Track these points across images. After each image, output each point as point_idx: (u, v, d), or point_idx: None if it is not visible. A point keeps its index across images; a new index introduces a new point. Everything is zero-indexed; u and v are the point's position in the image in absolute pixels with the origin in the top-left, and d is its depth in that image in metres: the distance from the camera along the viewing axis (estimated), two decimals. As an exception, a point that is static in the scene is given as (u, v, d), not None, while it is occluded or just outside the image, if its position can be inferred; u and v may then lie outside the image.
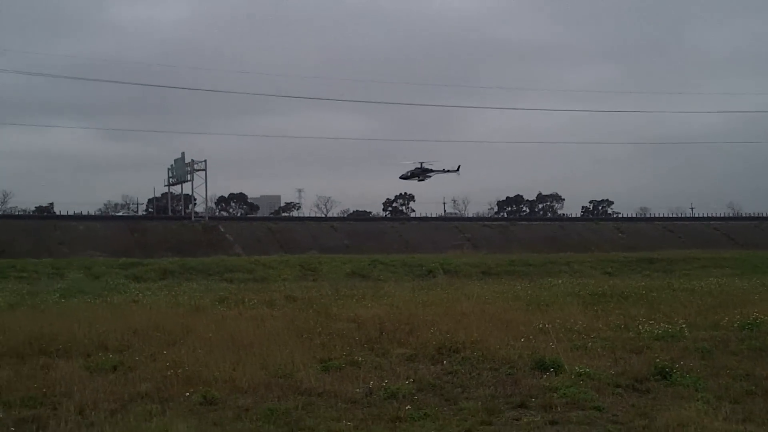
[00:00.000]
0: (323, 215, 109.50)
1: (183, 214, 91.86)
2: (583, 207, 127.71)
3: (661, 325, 20.62)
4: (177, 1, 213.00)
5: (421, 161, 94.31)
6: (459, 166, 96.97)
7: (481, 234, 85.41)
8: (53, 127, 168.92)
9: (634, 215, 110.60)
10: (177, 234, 76.19)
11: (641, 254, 67.42)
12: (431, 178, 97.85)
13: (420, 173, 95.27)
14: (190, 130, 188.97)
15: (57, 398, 13.29)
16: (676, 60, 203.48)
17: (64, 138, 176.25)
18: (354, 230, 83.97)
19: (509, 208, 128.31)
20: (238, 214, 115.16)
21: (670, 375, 14.44)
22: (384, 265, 58.52)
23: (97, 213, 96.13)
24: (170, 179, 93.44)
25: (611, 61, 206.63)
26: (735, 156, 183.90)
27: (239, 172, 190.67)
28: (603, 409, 12.39)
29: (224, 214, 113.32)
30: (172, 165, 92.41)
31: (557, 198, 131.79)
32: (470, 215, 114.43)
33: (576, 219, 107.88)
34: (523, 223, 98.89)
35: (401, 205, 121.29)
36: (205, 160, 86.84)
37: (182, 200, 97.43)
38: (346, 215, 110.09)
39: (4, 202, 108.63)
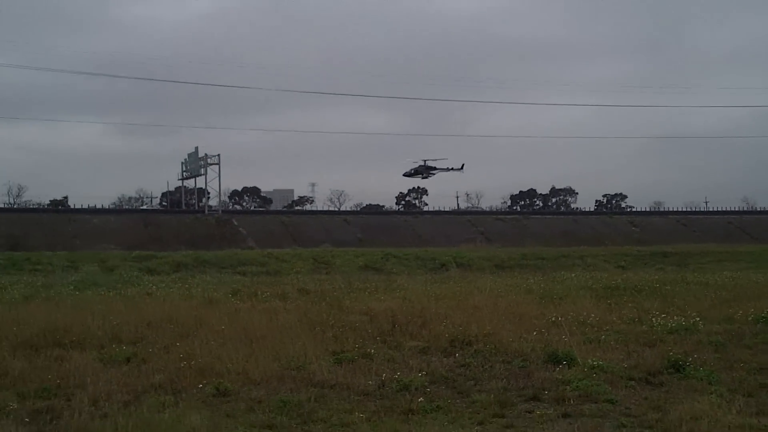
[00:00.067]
0: (336, 209, 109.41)
1: (196, 207, 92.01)
2: (596, 201, 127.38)
3: (675, 318, 20.53)
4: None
5: (424, 159, 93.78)
6: (463, 165, 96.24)
7: (494, 228, 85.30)
8: (68, 121, 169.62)
9: (648, 209, 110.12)
10: (190, 227, 76.39)
11: (655, 248, 67.29)
12: (435, 176, 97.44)
13: (423, 171, 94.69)
14: (204, 124, 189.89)
15: (71, 389, 13.36)
16: (689, 54, 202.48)
17: (79, 132, 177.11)
18: (367, 224, 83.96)
19: (523, 202, 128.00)
20: (252, 208, 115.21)
21: (684, 368, 14.39)
22: (397, 258, 58.56)
23: (111, 207, 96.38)
24: (184, 173, 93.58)
25: (626, 57, 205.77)
26: (750, 150, 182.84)
27: (253, 166, 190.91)
28: (616, 402, 12.36)
29: (238, 207, 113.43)
30: (185, 159, 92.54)
31: (571, 192, 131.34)
32: (484, 209, 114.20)
33: (589, 213, 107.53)
34: (537, 216, 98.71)
35: (414, 198, 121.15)
36: (218, 155, 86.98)
37: (196, 194, 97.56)
38: (359, 209, 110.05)
39: (18, 196, 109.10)
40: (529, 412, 11.87)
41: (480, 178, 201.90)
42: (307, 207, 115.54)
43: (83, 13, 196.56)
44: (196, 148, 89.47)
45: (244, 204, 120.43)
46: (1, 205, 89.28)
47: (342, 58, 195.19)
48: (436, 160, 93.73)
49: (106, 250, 61.69)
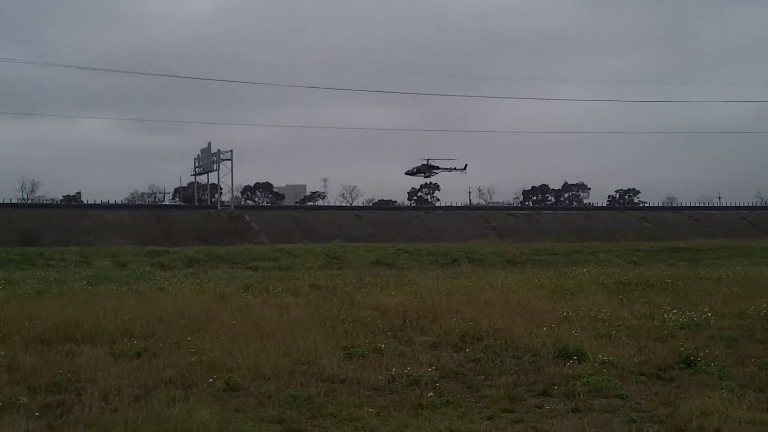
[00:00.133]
0: (348, 204, 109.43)
1: (209, 203, 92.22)
2: (609, 196, 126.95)
3: (687, 313, 20.45)
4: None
5: (427, 158, 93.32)
6: (466, 165, 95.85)
7: (506, 223, 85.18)
8: (81, 117, 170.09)
9: (660, 204, 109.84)
10: (203, 223, 76.58)
11: (667, 243, 67.01)
12: (437, 175, 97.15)
13: (426, 170, 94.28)
14: (217, 120, 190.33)
15: (82, 384, 13.41)
16: (703, 47, 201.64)
17: (92, 128, 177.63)
18: (379, 219, 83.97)
19: (535, 198, 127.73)
20: (264, 203, 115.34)
21: (695, 363, 14.35)
22: (408, 253, 58.55)
23: (123, 202, 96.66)
24: (197, 169, 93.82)
25: (640, 50, 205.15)
26: (764, 145, 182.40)
27: (265, 162, 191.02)
28: (626, 397, 12.35)
29: (250, 203, 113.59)
30: (198, 155, 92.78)
31: (583, 187, 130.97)
32: (496, 204, 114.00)
33: (602, 208, 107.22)
34: (549, 212, 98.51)
35: (426, 194, 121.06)
36: (231, 150, 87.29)
37: (208, 189, 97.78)
38: (370, 204, 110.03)
39: (32, 192, 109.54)
40: (539, 407, 11.86)
41: (492, 173, 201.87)
42: (319, 202, 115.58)
43: (96, 9, 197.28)
44: (209, 143, 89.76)
45: (257, 199, 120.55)
46: (15, 201, 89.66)
47: (354, 53, 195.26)
48: (439, 159, 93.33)
49: (118, 245, 61.85)
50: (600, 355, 14.98)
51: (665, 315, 20.59)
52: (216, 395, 12.71)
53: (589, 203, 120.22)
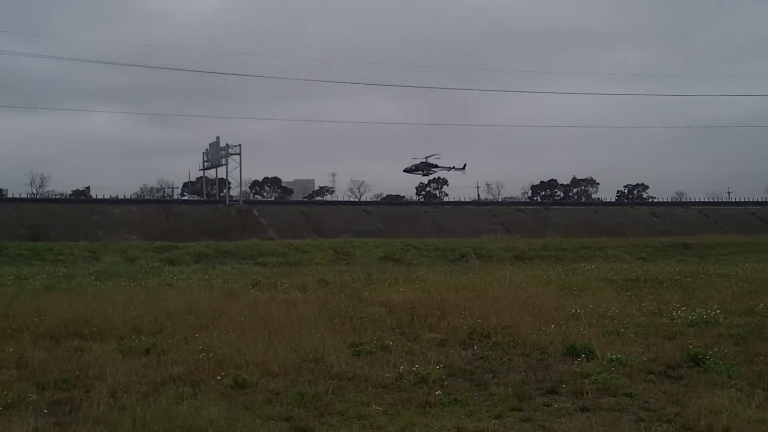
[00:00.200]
0: (356, 199, 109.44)
1: (217, 197, 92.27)
2: (618, 191, 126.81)
3: (696, 311, 20.39)
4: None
5: (426, 156, 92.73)
6: (465, 165, 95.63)
7: (514, 219, 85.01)
8: (91, 111, 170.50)
9: (669, 200, 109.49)
10: (211, 218, 76.59)
11: (676, 239, 66.88)
12: (436, 173, 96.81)
13: (424, 168, 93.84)
14: (225, 114, 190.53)
15: (90, 381, 13.44)
16: (712, 42, 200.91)
17: (101, 122, 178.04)
18: (387, 214, 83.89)
19: (543, 193, 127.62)
20: (272, 198, 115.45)
21: (704, 361, 14.29)
22: (417, 249, 58.52)
23: (132, 197, 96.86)
24: (205, 163, 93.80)
25: (648, 45, 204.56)
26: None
27: (274, 157, 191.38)
28: (634, 395, 12.31)
29: (258, 197, 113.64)
30: (207, 149, 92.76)
31: (592, 182, 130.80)
32: (504, 199, 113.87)
33: (610, 203, 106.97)
34: (557, 207, 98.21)
35: (434, 189, 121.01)
36: (239, 145, 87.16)
37: (217, 184, 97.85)
38: (379, 199, 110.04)
39: (41, 186, 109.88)
40: (547, 406, 11.84)
41: (500, 168, 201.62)
42: (328, 197, 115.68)
43: (104, 3, 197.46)
44: (218, 138, 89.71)
45: (265, 194, 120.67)
46: (24, 196, 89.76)
47: (363, 48, 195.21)
48: (437, 157, 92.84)
49: (127, 240, 61.99)
50: (608, 353, 14.93)
51: (674, 312, 20.54)
52: (224, 392, 12.72)
53: (598, 198, 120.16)
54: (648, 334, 17.83)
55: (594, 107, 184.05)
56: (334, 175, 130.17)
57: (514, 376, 13.70)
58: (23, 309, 21.76)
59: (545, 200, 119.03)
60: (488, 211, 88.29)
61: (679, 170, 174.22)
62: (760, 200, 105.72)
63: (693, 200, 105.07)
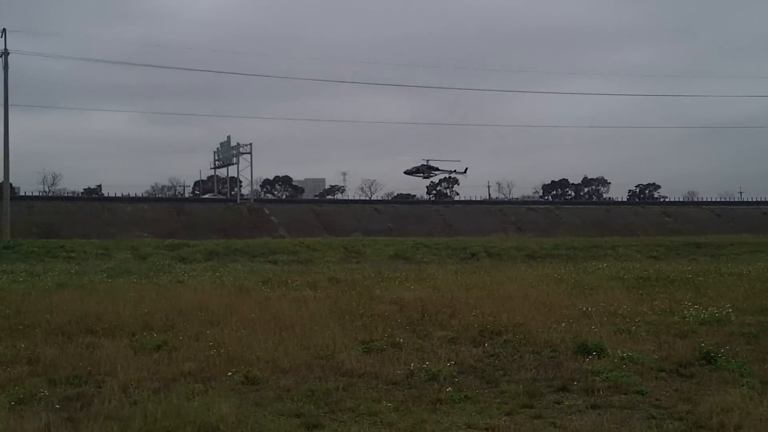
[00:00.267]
0: (367, 198, 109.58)
1: (228, 196, 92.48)
2: (629, 191, 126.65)
3: (708, 309, 20.30)
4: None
5: (427, 158, 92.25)
6: (467, 168, 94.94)
7: (525, 217, 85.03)
8: (103, 110, 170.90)
9: (681, 199, 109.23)
10: (222, 216, 76.80)
11: (688, 239, 66.68)
12: (436, 176, 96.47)
13: (425, 170, 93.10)
14: (236, 113, 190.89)
15: (101, 377, 13.46)
16: (724, 41, 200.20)
17: (114, 121, 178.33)
18: (398, 213, 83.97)
19: (554, 192, 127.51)
20: (283, 197, 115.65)
21: (715, 360, 14.23)
22: (427, 247, 58.48)
23: (144, 195, 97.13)
24: (216, 162, 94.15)
25: (661, 44, 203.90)
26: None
27: (284, 155, 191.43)
28: (646, 393, 12.26)
29: (269, 196, 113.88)
30: (218, 148, 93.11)
31: (603, 182, 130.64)
32: (515, 198, 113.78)
33: (622, 203, 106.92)
34: (569, 206, 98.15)
35: (445, 188, 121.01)
36: (250, 144, 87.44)
37: (228, 183, 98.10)
38: (390, 198, 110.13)
39: (53, 184, 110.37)
40: (558, 403, 11.80)
41: (511, 168, 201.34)
42: (339, 196, 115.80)
43: (116, 2, 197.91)
44: (228, 137, 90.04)
45: (276, 193, 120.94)
46: (37, 194, 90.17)
47: (373, 47, 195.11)
48: (439, 160, 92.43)
49: (139, 238, 62.21)
50: (619, 351, 14.88)
51: (686, 311, 20.46)
52: (235, 389, 12.73)
53: (609, 198, 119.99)
54: (659, 332, 17.77)
55: (605, 107, 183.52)
56: (345, 173, 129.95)
57: (524, 374, 13.66)
58: (35, 306, 21.87)
59: (556, 199, 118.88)
60: (499, 210, 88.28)
61: (691, 170, 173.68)
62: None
63: (705, 200, 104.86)
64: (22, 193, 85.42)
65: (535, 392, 12.31)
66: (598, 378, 13.07)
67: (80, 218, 70.61)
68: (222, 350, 15.14)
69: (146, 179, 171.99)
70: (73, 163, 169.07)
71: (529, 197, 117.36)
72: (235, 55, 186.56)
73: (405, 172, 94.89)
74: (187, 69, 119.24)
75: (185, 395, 11.90)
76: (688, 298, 23.38)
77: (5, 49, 63.87)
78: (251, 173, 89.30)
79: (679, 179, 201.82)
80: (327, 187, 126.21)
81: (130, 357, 15.06)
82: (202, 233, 66.40)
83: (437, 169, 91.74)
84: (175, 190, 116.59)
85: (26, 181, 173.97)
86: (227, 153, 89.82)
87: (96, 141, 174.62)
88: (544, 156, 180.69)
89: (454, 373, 13.56)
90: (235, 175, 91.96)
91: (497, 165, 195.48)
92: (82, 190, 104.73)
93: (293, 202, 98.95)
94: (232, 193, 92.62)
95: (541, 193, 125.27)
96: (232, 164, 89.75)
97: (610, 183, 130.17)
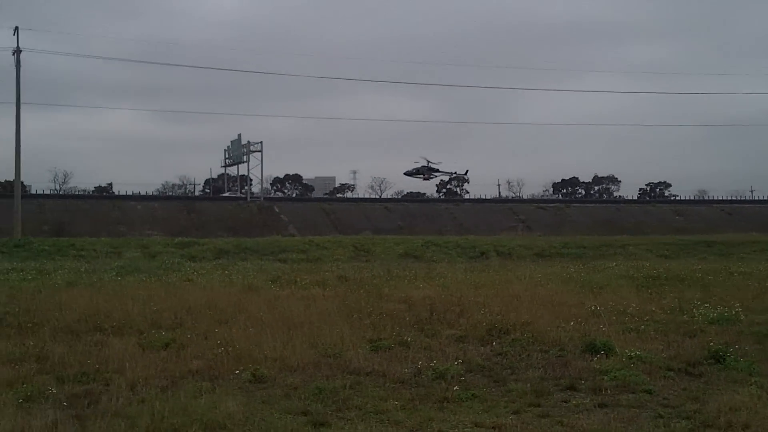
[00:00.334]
0: (377, 196, 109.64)
1: (238, 194, 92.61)
2: (640, 189, 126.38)
3: (717, 308, 20.25)
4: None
5: (428, 160, 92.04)
6: (467, 171, 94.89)
7: (535, 216, 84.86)
8: (114, 108, 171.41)
9: (692, 198, 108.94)
10: (232, 214, 76.89)
11: (698, 237, 66.44)
12: (437, 178, 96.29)
13: (425, 172, 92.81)
14: (247, 112, 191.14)
15: (109, 374, 13.48)
16: (736, 38, 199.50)
17: (124, 119, 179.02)
18: (408, 211, 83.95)
19: (565, 190, 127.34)
20: (293, 195, 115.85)
21: (724, 359, 14.20)
22: (437, 246, 58.44)
23: (154, 193, 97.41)
24: (227, 160, 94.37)
25: (672, 41, 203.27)
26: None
27: (295, 154, 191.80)
28: (654, 392, 12.24)
29: (279, 194, 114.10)
30: (228, 146, 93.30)
31: (613, 180, 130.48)
32: (525, 197, 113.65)
33: (632, 201, 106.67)
34: (578, 205, 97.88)
35: (455, 186, 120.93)
36: (261, 142, 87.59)
37: (238, 181, 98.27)
38: (400, 196, 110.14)
39: (65, 182, 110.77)
40: (566, 402, 11.78)
41: (521, 166, 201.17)
42: (349, 194, 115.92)
43: (126, 1, 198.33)
44: (239, 135, 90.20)
45: (286, 191, 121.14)
46: (47, 192, 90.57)
47: (384, 46, 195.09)
48: (439, 162, 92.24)
49: (149, 236, 62.38)
50: (628, 350, 14.86)
51: (695, 310, 20.41)
52: (242, 387, 12.75)
53: (620, 196, 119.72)
54: (668, 331, 17.73)
55: (616, 105, 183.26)
56: (354, 172, 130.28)
57: (532, 373, 13.64)
58: (45, 303, 21.93)
59: (566, 198, 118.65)
60: (509, 209, 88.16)
61: (701, 168, 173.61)
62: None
63: (715, 198, 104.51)
64: (33, 192, 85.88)
65: (542, 391, 12.30)
66: (606, 377, 13.05)
67: (91, 216, 70.80)
68: (230, 348, 15.15)
69: (157, 177, 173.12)
70: (84, 162, 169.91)
71: (539, 196, 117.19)
72: (246, 53, 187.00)
73: (405, 174, 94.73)
74: (199, 67, 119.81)
75: (193, 393, 11.92)
76: (698, 297, 23.30)
77: (17, 46, 64.04)
78: (261, 171, 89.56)
79: (690, 178, 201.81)
80: (337, 185, 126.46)
81: (138, 355, 15.07)
82: (212, 231, 66.56)
83: (437, 170, 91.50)
84: (186, 188, 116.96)
85: (37, 179, 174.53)
86: (238, 151, 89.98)
87: (107, 139, 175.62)
88: (555, 154, 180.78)
89: (462, 372, 13.56)
90: (246, 174, 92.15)
91: (508, 163, 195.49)
92: (93, 189, 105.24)
93: (303, 200, 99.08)
94: (242, 191, 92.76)
95: (551, 192, 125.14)
96: (243, 162, 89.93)
97: (620, 181, 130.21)
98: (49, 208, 72.49)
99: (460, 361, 14.38)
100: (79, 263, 42.61)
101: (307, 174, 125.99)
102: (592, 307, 20.49)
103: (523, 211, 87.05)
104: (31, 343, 15.96)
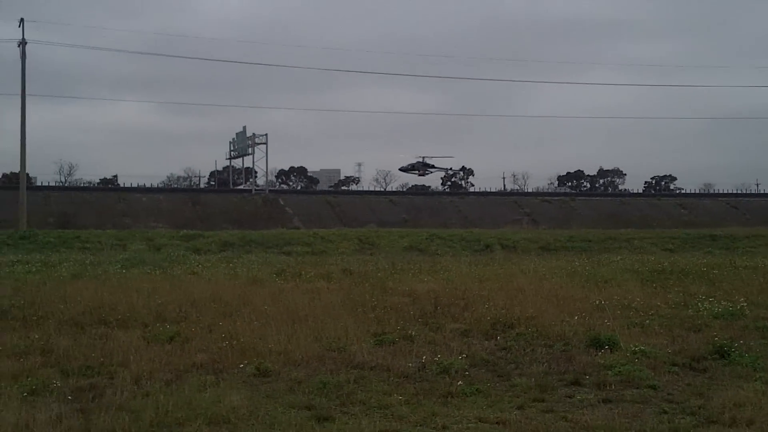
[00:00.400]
0: (382, 189, 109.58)
1: (243, 186, 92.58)
2: (645, 182, 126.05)
3: (722, 303, 20.18)
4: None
5: (423, 155, 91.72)
6: (463, 166, 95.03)
7: (540, 209, 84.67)
8: (119, 100, 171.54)
9: (697, 191, 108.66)
10: (237, 207, 76.85)
11: (704, 231, 66.33)
12: (432, 173, 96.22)
13: (420, 168, 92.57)
14: (252, 104, 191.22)
15: (114, 368, 13.51)
16: (741, 32, 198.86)
17: (129, 111, 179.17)
18: (413, 204, 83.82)
19: (570, 184, 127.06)
20: (298, 188, 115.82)
21: (729, 354, 14.17)
22: (441, 239, 58.42)
23: (159, 185, 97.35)
24: (232, 152, 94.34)
25: (677, 35, 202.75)
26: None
27: (300, 146, 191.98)
28: (658, 387, 12.23)
29: (284, 187, 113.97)
30: (233, 139, 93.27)
31: (619, 173, 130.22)
32: (530, 190, 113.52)
33: (637, 195, 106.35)
34: (584, 198, 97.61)
35: (461, 179, 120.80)
36: (266, 134, 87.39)
37: (243, 173, 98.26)
38: (405, 189, 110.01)
39: (70, 174, 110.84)
40: (570, 397, 11.79)
41: (526, 159, 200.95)
42: (353, 187, 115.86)
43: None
44: (244, 127, 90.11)
45: (291, 184, 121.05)
46: (53, 184, 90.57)
47: (389, 38, 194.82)
48: (435, 157, 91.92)
49: (154, 228, 62.39)
50: (632, 345, 14.84)
51: (699, 304, 20.33)
52: (246, 380, 12.77)
53: (625, 189, 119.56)
54: (673, 326, 17.69)
55: (621, 98, 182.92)
56: (359, 164, 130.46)
57: (536, 367, 13.63)
58: (50, 296, 21.94)
59: (571, 191, 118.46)
60: (514, 202, 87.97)
61: (707, 162, 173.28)
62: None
63: (721, 192, 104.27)
64: (38, 184, 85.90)
65: (546, 386, 12.29)
66: (610, 372, 13.05)
67: (96, 208, 70.83)
68: (234, 342, 15.17)
69: (162, 170, 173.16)
70: (90, 154, 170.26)
71: (544, 189, 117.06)
72: (252, 46, 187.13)
73: (400, 169, 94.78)
74: (203, 59, 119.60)
75: (197, 387, 11.96)
76: (703, 291, 23.23)
77: (23, 38, 64.02)
78: (266, 164, 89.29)
79: (695, 171, 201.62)
80: (342, 178, 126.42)
81: (143, 348, 15.09)
82: (217, 224, 66.55)
83: (433, 166, 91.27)
84: (191, 180, 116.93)
85: (43, 171, 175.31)
86: (243, 143, 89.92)
87: (112, 131, 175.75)
88: (560, 147, 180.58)
89: (466, 366, 13.55)
90: (251, 166, 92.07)
91: (512, 156, 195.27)
92: (98, 181, 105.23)
93: (308, 193, 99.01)
94: (247, 183, 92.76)
95: (556, 185, 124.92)
96: (248, 155, 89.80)
97: (625, 174, 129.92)
98: (55, 200, 72.54)
99: (464, 355, 14.39)
100: (84, 255, 42.64)
101: (312, 166, 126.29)
102: (597, 302, 20.44)
103: (528, 204, 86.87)
104: (36, 336, 16.00)
